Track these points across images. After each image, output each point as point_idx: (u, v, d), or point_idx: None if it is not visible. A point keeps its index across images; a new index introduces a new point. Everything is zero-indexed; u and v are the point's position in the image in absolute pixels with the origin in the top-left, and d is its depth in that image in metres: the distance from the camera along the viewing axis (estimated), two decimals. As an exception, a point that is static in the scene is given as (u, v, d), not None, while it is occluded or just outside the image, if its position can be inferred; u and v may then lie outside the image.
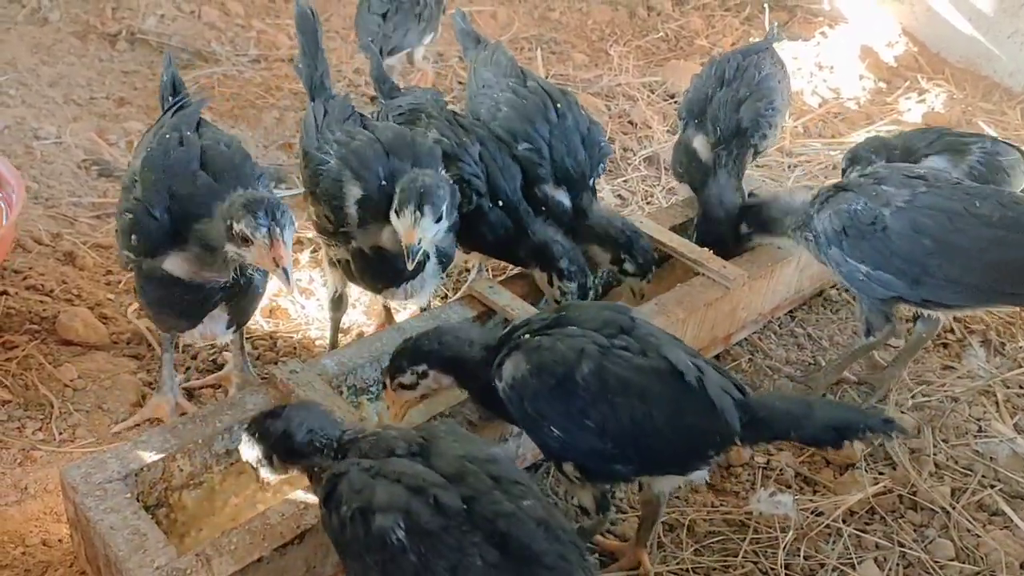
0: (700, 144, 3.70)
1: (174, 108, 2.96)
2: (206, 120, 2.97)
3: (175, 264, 2.61)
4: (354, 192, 2.82)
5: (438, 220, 2.66)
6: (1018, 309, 3.83)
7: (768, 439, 2.45)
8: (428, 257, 2.87)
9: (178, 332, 2.89)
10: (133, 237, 2.61)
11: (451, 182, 2.86)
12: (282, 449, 2.19)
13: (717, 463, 2.55)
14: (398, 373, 2.55)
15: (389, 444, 2.09)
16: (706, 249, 3.46)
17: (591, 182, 3.37)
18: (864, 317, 3.18)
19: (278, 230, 2.33)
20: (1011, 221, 2.90)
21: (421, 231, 2.63)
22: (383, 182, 2.80)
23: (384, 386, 2.61)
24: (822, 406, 2.41)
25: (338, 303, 3.24)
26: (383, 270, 2.91)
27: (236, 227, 2.35)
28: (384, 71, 3.66)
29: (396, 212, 2.69)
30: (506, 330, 2.54)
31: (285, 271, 2.34)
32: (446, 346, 2.52)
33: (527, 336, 2.42)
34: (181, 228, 2.58)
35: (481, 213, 3.13)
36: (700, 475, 2.48)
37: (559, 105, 3.35)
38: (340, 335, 3.38)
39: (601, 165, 3.41)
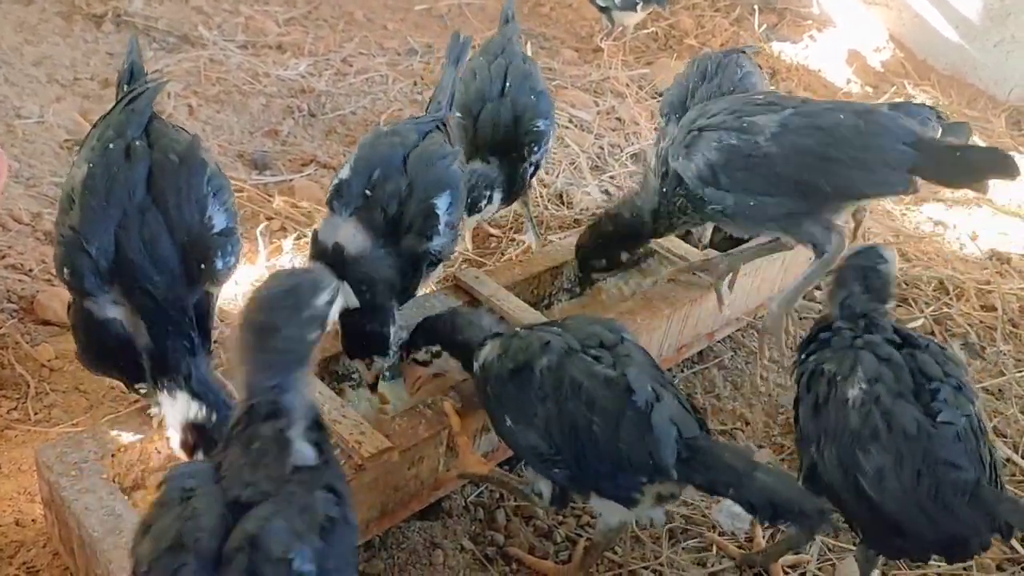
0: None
1: (126, 100, 2.49)
2: (156, 115, 2.52)
3: (117, 312, 2.28)
4: None
5: None
6: (998, 312, 3.87)
7: (706, 485, 2.24)
8: None
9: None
10: (65, 271, 2.28)
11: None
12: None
13: (661, 497, 2.31)
14: (413, 349, 2.64)
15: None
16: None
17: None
18: (805, 240, 2.90)
19: None
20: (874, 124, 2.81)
21: None
22: None
23: (401, 358, 2.69)
24: (768, 473, 2.16)
25: None
26: None
27: None
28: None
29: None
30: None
31: None
32: (458, 330, 2.58)
33: (517, 329, 2.50)
34: (121, 272, 2.26)
35: None
36: (655, 514, 2.37)
37: (509, 85, 3.57)
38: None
39: (528, 148, 3.53)
